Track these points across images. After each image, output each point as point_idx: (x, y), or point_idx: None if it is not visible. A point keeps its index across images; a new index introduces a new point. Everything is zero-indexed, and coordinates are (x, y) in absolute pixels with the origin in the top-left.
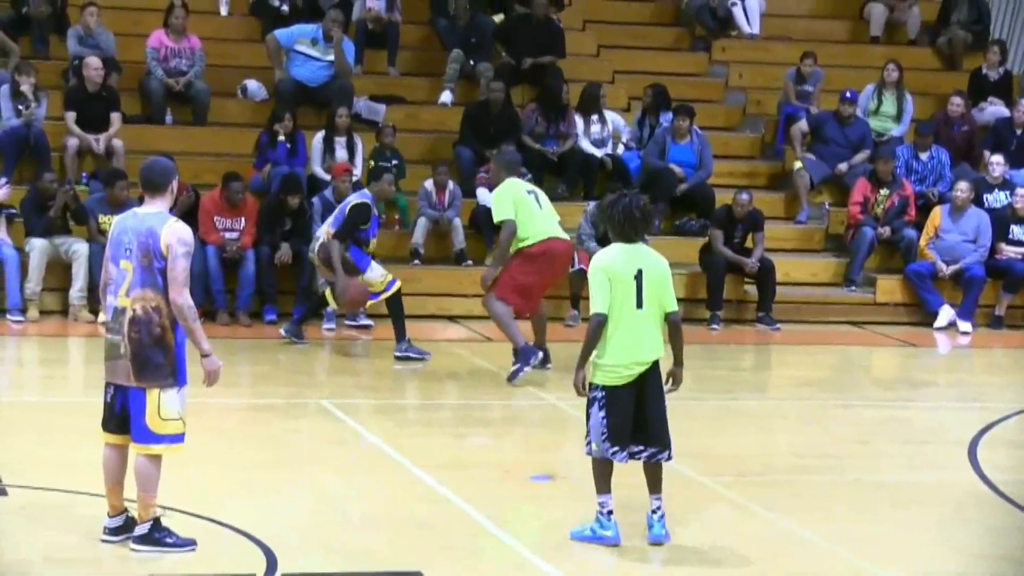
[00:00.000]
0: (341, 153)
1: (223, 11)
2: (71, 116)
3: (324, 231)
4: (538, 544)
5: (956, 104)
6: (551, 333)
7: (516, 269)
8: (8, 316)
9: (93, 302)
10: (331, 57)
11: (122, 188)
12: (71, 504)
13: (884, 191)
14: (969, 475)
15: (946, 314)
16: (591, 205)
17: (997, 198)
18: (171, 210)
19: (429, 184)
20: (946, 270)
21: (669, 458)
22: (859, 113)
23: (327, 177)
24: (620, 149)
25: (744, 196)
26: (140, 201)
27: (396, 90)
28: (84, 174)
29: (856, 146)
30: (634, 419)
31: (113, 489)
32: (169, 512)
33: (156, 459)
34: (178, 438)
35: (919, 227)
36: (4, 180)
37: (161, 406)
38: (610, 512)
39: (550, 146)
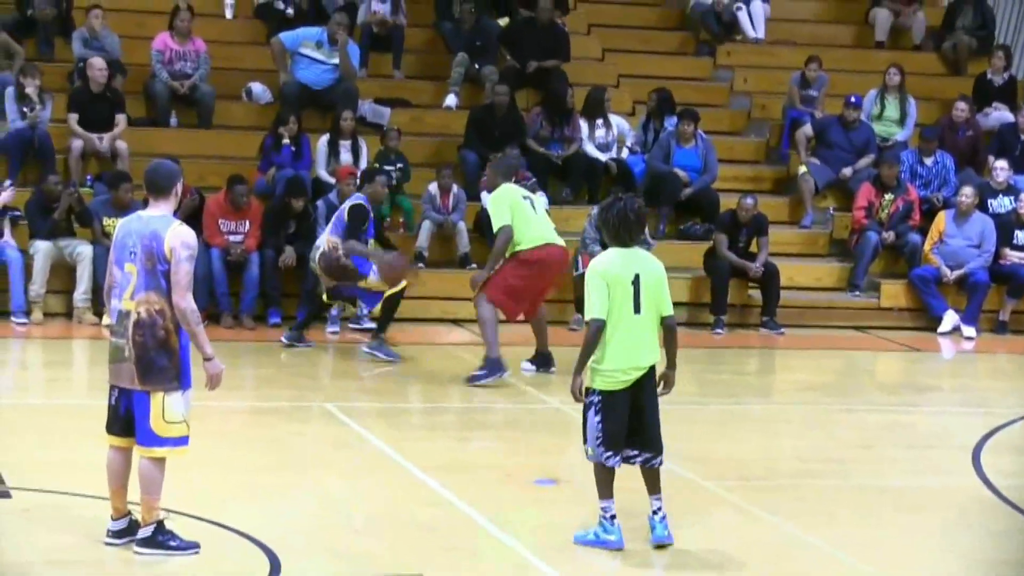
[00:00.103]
0: (346, 156)
1: (228, 14)
2: (74, 117)
3: (324, 239)
4: (541, 548)
5: (961, 109)
6: (555, 337)
7: (509, 272)
8: (12, 318)
9: (97, 304)
10: (336, 60)
11: (126, 191)
12: (74, 506)
13: (888, 196)
14: (973, 480)
15: (950, 319)
16: (595, 209)
17: (1001, 203)
18: (175, 213)
19: (433, 187)
20: (950, 275)
21: (661, 463)
22: (863, 118)
23: (331, 180)
24: (624, 153)
25: (748, 200)
26: (144, 204)
27: (401, 93)
28: (88, 176)
29: (861, 151)
30: (629, 424)
31: (117, 492)
32: (172, 515)
33: (160, 462)
34: (182, 441)
35: (923, 232)
36: (8, 182)
37: (165, 409)
38: (613, 516)
39: (554, 150)
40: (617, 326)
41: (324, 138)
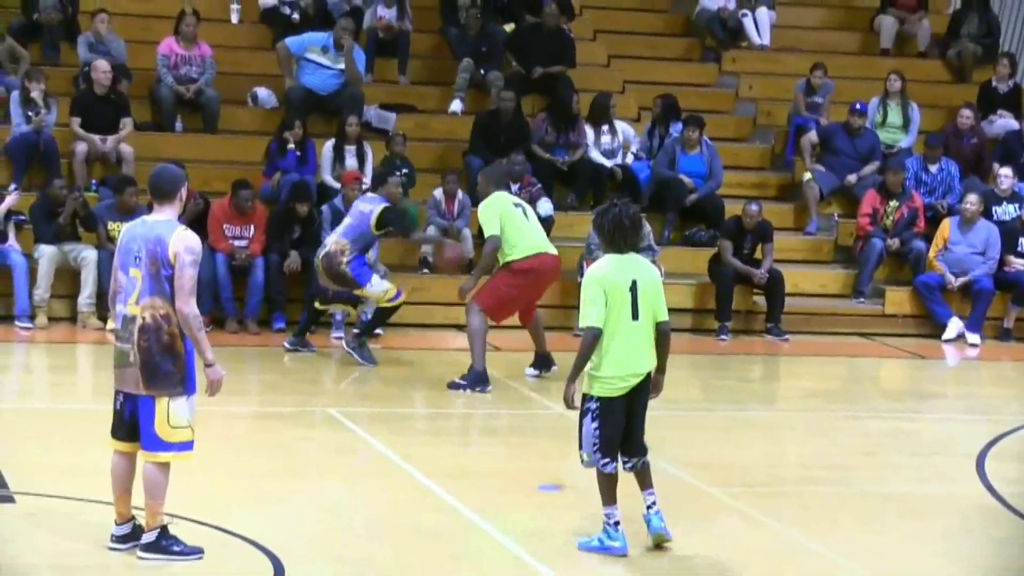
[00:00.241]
0: (351, 161)
1: (234, 19)
2: (76, 120)
3: (333, 241)
4: (545, 554)
5: (966, 116)
6: (559, 342)
7: (502, 280)
8: (17, 323)
9: (102, 309)
10: (341, 65)
11: (131, 195)
12: (78, 511)
13: (893, 203)
14: (977, 487)
15: (955, 326)
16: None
17: (1006, 211)
18: (180, 218)
19: (439, 193)
20: (955, 282)
21: (648, 461)
22: (868, 125)
23: (337, 185)
24: (630, 159)
25: (753, 207)
26: (149, 208)
27: (406, 99)
28: (93, 181)
29: (865, 158)
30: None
31: (121, 496)
32: (176, 520)
33: (164, 467)
34: (187, 446)
35: (928, 239)
36: (14, 187)
37: (170, 414)
38: (617, 523)
39: (560, 156)
40: (615, 333)
41: (329, 143)
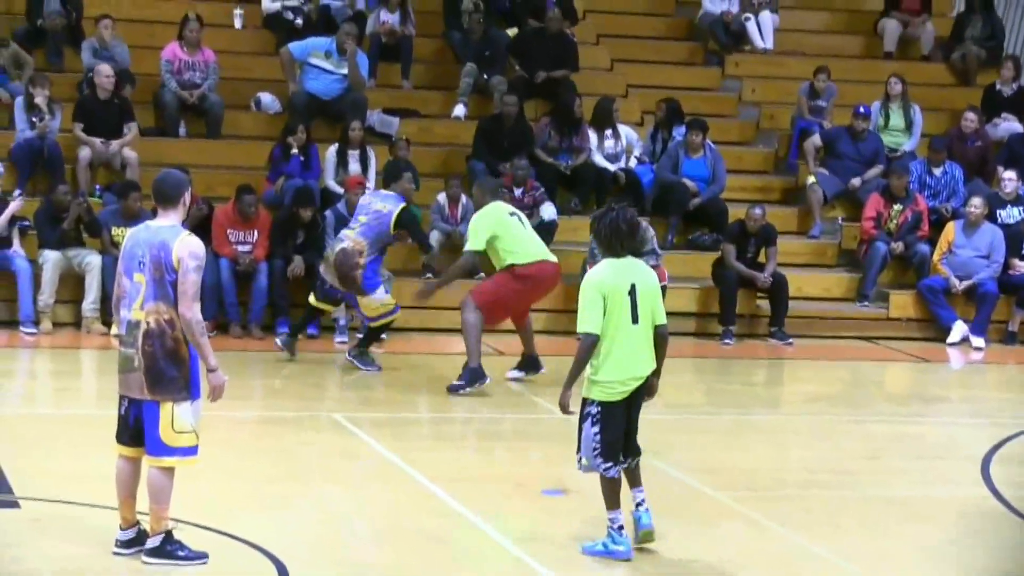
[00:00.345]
0: (354, 166)
1: (237, 24)
2: (79, 125)
3: (352, 238)
4: (550, 559)
5: (970, 120)
6: (562, 347)
7: (502, 282)
8: (21, 328)
9: (106, 314)
10: (345, 70)
11: (135, 200)
12: (83, 516)
13: (897, 206)
14: (981, 491)
15: (959, 330)
16: None
17: (1011, 214)
18: (184, 223)
19: (442, 198)
20: (959, 286)
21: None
22: (872, 128)
23: (340, 190)
24: (633, 163)
25: (757, 211)
26: (153, 214)
27: (410, 103)
28: (97, 186)
29: (869, 161)
30: None
31: (126, 501)
32: (181, 525)
33: (169, 471)
34: (191, 451)
35: (932, 242)
36: (18, 192)
37: (175, 419)
38: (621, 527)
39: (563, 160)
40: (615, 337)
41: (333, 148)
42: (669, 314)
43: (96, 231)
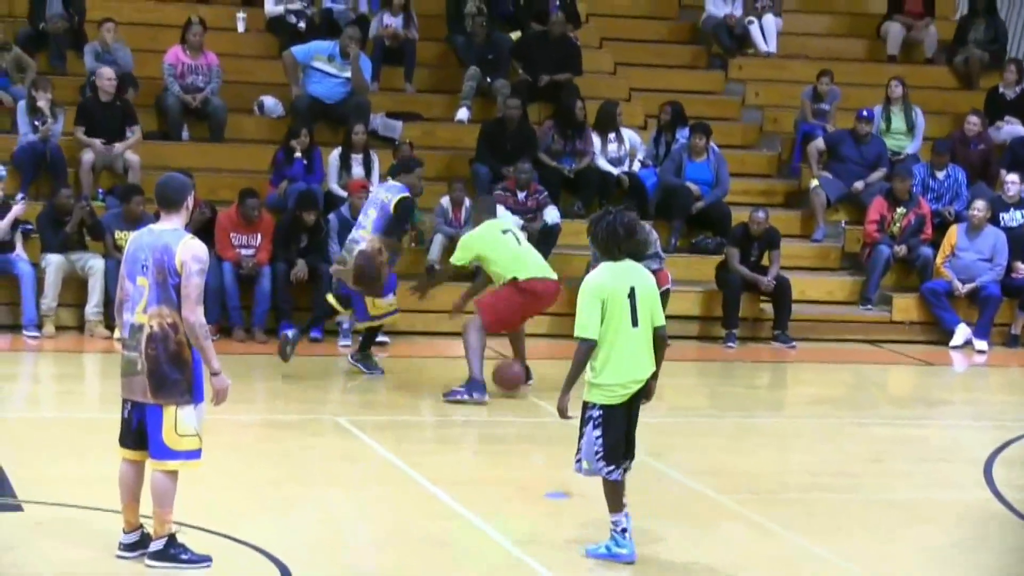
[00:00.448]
0: (358, 170)
1: (240, 28)
2: (81, 128)
3: (368, 239)
4: (553, 562)
5: (973, 123)
6: (564, 351)
7: (506, 296)
8: (24, 332)
9: (109, 318)
10: (348, 74)
11: (138, 204)
12: (86, 520)
13: (900, 209)
14: (984, 494)
15: (962, 333)
16: None
17: (1013, 217)
18: (187, 226)
19: (445, 201)
20: (962, 289)
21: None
22: (875, 131)
23: (343, 194)
24: (636, 167)
25: (760, 214)
26: (156, 217)
27: (413, 107)
28: (100, 190)
29: (872, 164)
30: None
31: (129, 505)
32: (184, 528)
33: (172, 475)
34: (194, 454)
35: (935, 246)
36: (21, 195)
37: (178, 422)
38: (624, 530)
39: (566, 163)
40: (615, 341)
41: (336, 152)
42: (672, 318)
43: (99, 234)
